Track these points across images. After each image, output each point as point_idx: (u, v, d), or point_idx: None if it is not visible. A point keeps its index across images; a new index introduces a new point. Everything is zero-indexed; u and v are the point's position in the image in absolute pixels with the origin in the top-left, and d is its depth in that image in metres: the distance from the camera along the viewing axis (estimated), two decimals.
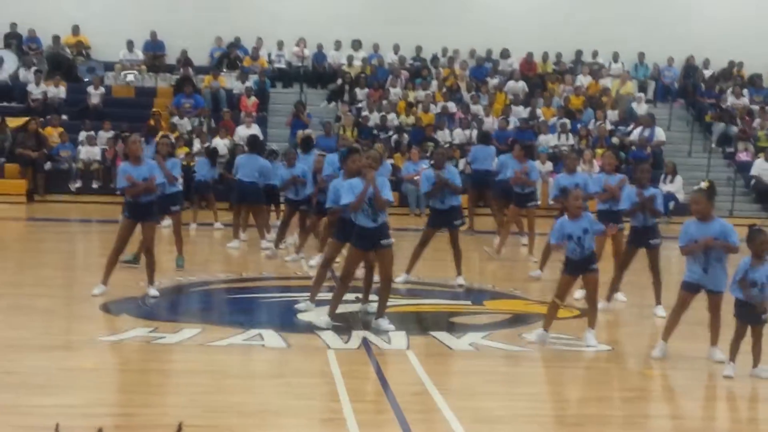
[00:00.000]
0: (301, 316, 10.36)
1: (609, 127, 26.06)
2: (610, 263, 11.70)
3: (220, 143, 23.13)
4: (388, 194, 9.71)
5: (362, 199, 9.52)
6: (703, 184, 9.17)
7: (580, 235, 9.35)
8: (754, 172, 25.32)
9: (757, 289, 8.30)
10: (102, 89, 25.97)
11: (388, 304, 9.96)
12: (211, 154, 19.69)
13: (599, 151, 21.93)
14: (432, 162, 13.27)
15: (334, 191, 10.48)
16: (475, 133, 24.98)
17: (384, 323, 9.73)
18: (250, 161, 15.54)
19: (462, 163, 23.53)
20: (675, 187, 23.73)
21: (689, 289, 8.96)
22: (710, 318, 9.00)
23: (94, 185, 23.25)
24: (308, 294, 10.73)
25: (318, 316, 10.07)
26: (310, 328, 9.69)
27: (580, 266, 9.42)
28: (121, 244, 11.16)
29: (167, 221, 14.69)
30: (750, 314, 8.36)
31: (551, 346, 9.37)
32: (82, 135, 23.95)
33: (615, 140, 25.51)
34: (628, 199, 11.11)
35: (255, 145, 16.21)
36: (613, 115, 26.91)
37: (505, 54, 29.04)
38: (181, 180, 20.25)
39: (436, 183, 12.50)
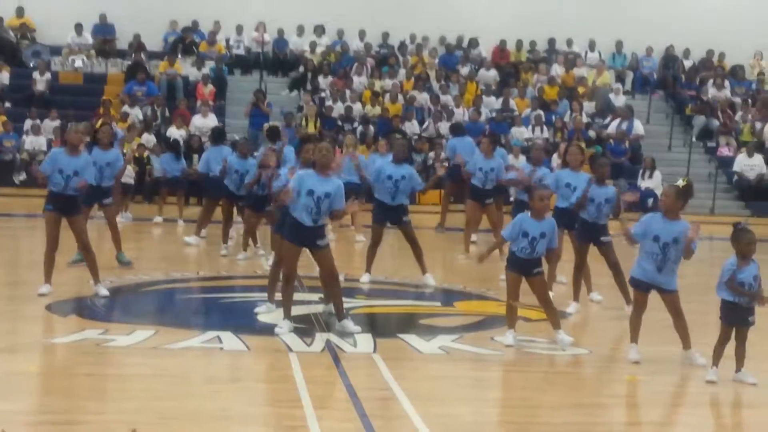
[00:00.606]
0: (261, 318, 10.34)
1: (585, 119, 26.21)
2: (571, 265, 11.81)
3: (176, 133, 23.00)
4: (342, 203, 9.57)
5: (289, 190, 9.36)
6: (680, 182, 9.28)
7: (535, 236, 9.41)
8: (736, 167, 25.57)
9: (745, 289, 8.38)
10: (48, 75, 25.74)
11: (355, 305, 9.95)
12: (174, 146, 19.65)
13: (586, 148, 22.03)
14: (393, 154, 13.20)
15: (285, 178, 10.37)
16: (444, 125, 25.02)
17: (349, 324, 9.71)
18: (217, 153, 15.50)
19: (432, 155, 23.60)
20: (654, 182, 23.89)
21: (640, 287, 9.09)
22: (673, 320, 9.09)
23: (39, 178, 22.97)
24: (266, 295, 10.70)
25: (278, 317, 10.03)
26: (271, 331, 9.66)
27: (524, 267, 9.48)
28: (52, 242, 10.95)
29: (128, 216, 14.55)
30: (737, 317, 8.44)
31: (525, 349, 9.41)
32: (27, 124, 23.73)
33: (592, 133, 25.67)
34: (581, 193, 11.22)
35: (219, 136, 16.19)
36: (589, 107, 27.06)
37: (473, 43, 29.08)
38: (132, 175, 20.26)
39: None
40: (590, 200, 11.14)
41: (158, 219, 18.52)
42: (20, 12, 27.63)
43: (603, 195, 11.15)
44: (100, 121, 16.36)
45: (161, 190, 19.40)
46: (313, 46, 28.19)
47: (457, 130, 20.08)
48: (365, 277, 12.63)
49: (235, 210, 15.08)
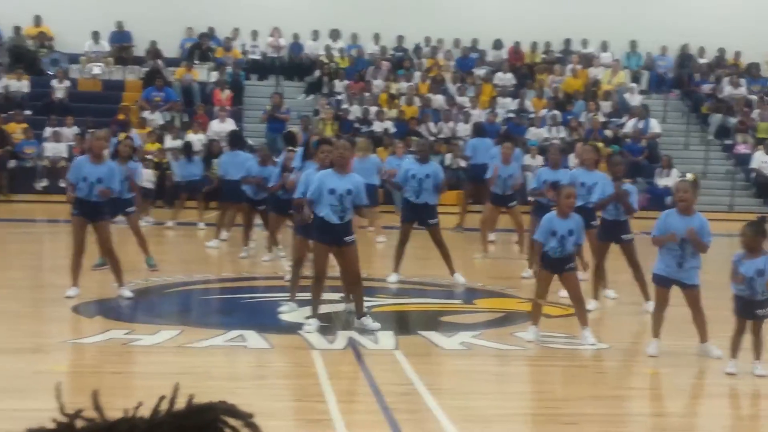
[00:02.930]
0: (284, 317, 10.45)
1: (601, 119, 26.25)
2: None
3: (194, 138, 23.16)
4: (364, 198, 9.75)
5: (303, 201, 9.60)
6: (689, 176, 9.38)
7: (564, 235, 9.51)
8: (754, 164, 25.55)
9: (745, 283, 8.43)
10: (67, 83, 25.95)
11: (377, 303, 10.05)
12: (188, 150, 19.81)
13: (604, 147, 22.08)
14: (417, 155, 13.37)
15: (304, 182, 10.47)
16: (461, 126, 25.13)
17: (368, 322, 9.81)
18: (234, 158, 15.60)
19: (449, 157, 23.69)
20: (671, 181, 23.84)
21: (661, 283, 9.17)
22: (692, 314, 9.16)
23: (61, 184, 23.18)
24: (288, 295, 10.82)
25: (301, 316, 10.15)
26: (294, 329, 9.77)
27: (557, 264, 9.57)
28: (79, 245, 11.09)
29: (148, 220, 14.66)
30: (746, 309, 8.50)
31: (546, 344, 9.49)
32: (48, 131, 23.92)
33: (608, 132, 25.70)
34: (602, 193, 11.29)
35: (236, 141, 16.31)
36: (606, 106, 27.09)
37: (497, 45, 29.15)
38: (153, 179, 20.44)
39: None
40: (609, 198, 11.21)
41: (171, 223, 18.56)
42: (38, 21, 27.84)
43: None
44: (123, 135, 16.55)
45: (180, 194, 19.52)
46: (328, 50, 28.30)
47: (478, 130, 20.15)
48: (393, 277, 12.73)
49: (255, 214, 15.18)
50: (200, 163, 19.80)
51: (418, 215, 12.79)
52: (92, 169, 10.95)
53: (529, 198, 14.75)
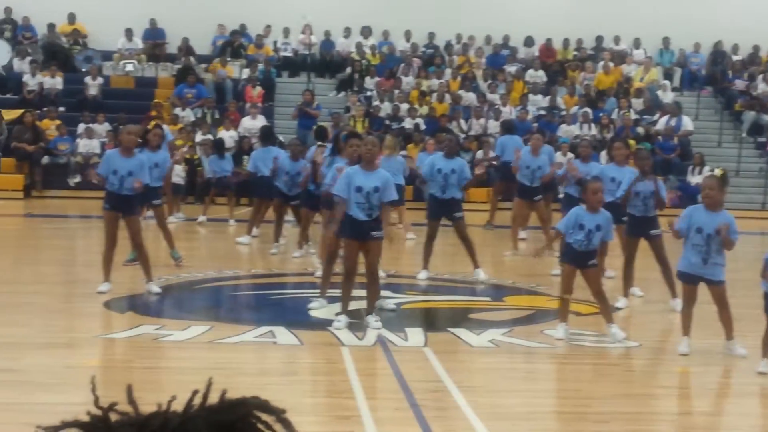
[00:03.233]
0: (314, 313, 10.47)
1: (633, 116, 26.10)
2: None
3: (226, 135, 23.26)
4: (393, 193, 9.76)
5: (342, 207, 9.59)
6: (717, 171, 9.31)
7: (591, 229, 9.47)
8: None
9: None
10: (100, 79, 26.11)
11: (406, 300, 10.05)
12: (219, 147, 19.87)
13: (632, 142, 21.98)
14: (443, 150, 13.39)
15: (333, 175, 10.51)
16: (491, 123, 25.08)
17: (371, 321, 9.74)
18: (266, 154, 15.64)
19: (480, 154, 23.64)
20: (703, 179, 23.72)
21: (687, 280, 9.11)
22: (718, 311, 9.10)
23: (94, 180, 23.34)
24: (318, 291, 10.83)
25: (331, 312, 10.17)
26: (323, 325, 9.79)
27: (579, 259, 9.53)
28: (111, 240, 11.15)
29: (180, 216, 14.75)
30: None
31: (575, 342, 9.45)
32: (81, 127, 24.10)
33: (640, 130, 25.55)
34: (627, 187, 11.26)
35: (268, 136, 16.31)
36: (637, 104, 26.94)
37: (529, 42, 29.06)
38: (183, 175, 20.54)
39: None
40: (635, 194, 11.18)
41: (202, 218, 18.62)
42: (72, 18, 28.05)
43: (648, 188, 11.19)
44: (152, 123, 16.62)
45: (210, 190, 19.59)
46: (359, 47, 28.31)
47: (507, 127, 20.08)
48: (423, 274, 12.73)
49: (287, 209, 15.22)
50: (231, 160, 19.87)
51: (445, 210, 12.78)
52: (123, 163, 11.03)
53: (559, 190, 14.81)
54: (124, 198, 11.05)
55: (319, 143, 14.46)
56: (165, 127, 17.36)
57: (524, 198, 15.32)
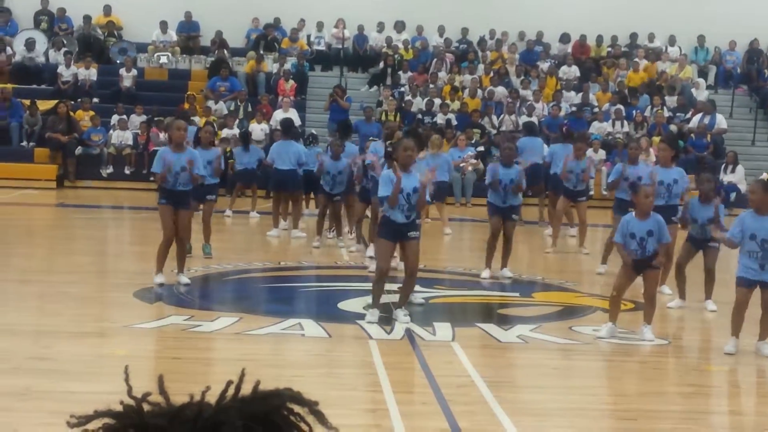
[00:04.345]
0: (342, 306, 10.47)
1: (667, 114, 25.92)
2: None
3: (257, 128, 23.31)
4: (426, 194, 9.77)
5: (396, 194, 9.52)
6: (765, 176, 9.20)
7: (643, 236, 9.30)
8: None
9: None
10: (134, 71, 26.25)
11: (435, 294, 10.03)
12: (244, 137, 19.84)
13: (655, 139, 21.84)
14: (501, 160, 13.33)
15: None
16: (523, 119, 24.96)
17: (400, 315, 9.72)
18: (285, 147, 15.61)
19: None
20: (736, 177, 23.56)
21: (746, 284, 8.96)
22: (762, 314, 8.97)
23: (126, 171, 23.53)
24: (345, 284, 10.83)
25: (359, 305, 10.16)
26: (351, 318, 9.80)
27: (640, 265, 9.40)
28: (168, 231, 11.14)
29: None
30: None
31: (604, 339, 9.39)
32: (114, 119, 24.24)
33: (673, 127, 25.37)
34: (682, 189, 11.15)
35: (289, 130, 16.26)
36: (671, 101, 26.75)
37: (563, 38, 28.92)
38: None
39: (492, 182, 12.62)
40: (693, 220, 10.81)
41: (228, 212, 18.55)
42: (107, 11, 28.23)
43: (707, 214, 10.63)
44: (203, 120, 16.64)
45: (236, 183, 19.51)
46: (389, 41, 28.26)
47: (529, 129, 19.96)
48: (486, 273, 12.64)
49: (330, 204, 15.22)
50: (257, 152, 19.72)
51: (504, 214, 12.70)
52: (175, 159, 11.02)
53: (606, 191, 14.76)
54: (179, 193, 11.06)
55: (371, 138, 14.46)
56: (215, 125, 17.40)
57: (569, 198, 15.31)
